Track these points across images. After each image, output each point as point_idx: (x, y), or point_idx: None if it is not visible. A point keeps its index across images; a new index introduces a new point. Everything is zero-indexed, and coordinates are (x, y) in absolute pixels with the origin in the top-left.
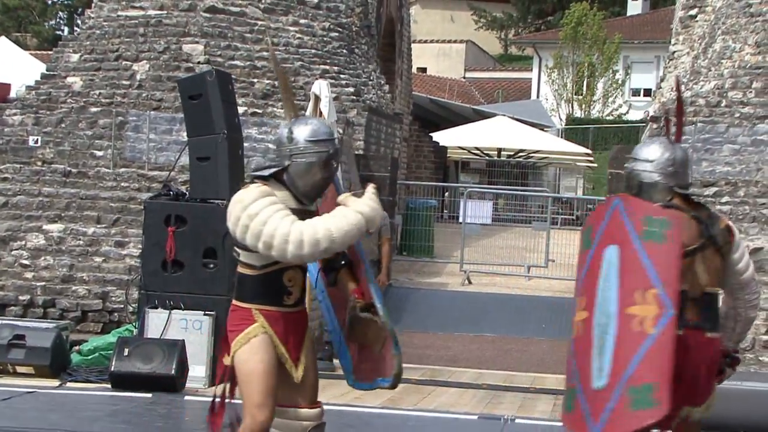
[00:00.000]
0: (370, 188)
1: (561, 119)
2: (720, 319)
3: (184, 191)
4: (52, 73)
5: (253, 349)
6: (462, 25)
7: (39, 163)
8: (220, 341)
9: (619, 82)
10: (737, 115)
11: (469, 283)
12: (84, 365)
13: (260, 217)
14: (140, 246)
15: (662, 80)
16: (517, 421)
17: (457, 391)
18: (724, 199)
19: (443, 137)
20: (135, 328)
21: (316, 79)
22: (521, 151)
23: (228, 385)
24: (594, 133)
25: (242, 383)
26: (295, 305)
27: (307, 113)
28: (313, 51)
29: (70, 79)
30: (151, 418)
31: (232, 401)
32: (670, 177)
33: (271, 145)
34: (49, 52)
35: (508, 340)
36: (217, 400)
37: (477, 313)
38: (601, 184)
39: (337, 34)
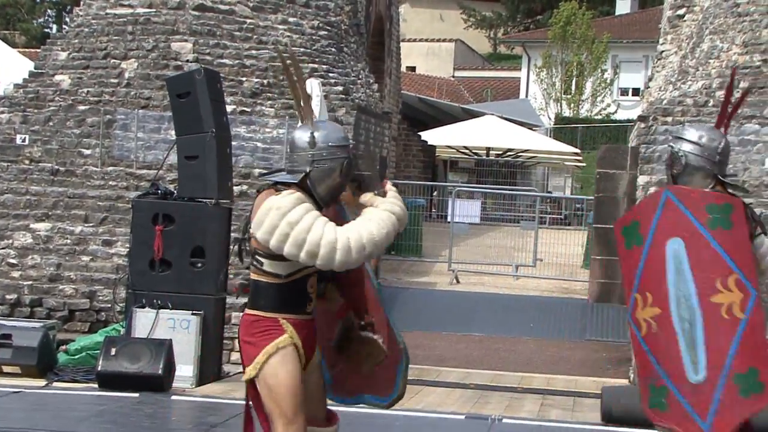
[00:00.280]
0: (390, 187)
1: (550, 118)
2: None
3: (172, 190)
4: (40, 71)
5: (283, 361)
6: (451, 24)
7: (26, 162)
8: (242, 353)
9: (608, 81)
10: None
11: (457, 282)
12: (71, 365)
13: (302, 225)
14: (128, 245)
15: (650, 80)
16: (504, 420)
17: (444, 391)
18: None
19: (432, 136)
20: (122, 327)
21: (307, 77)
22: (510, 150)
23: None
24: (582, 133)
25: (271, 396)
26: (312, 312)
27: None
28: (302, 49)
29: (58, 77)
30: (137, 418)
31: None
32: (716, 165)
33: (259, 144)
34: (38, 50)
35: (495, 340)
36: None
37: (465, 313)
38: (590, 183)
39: (326, 32)
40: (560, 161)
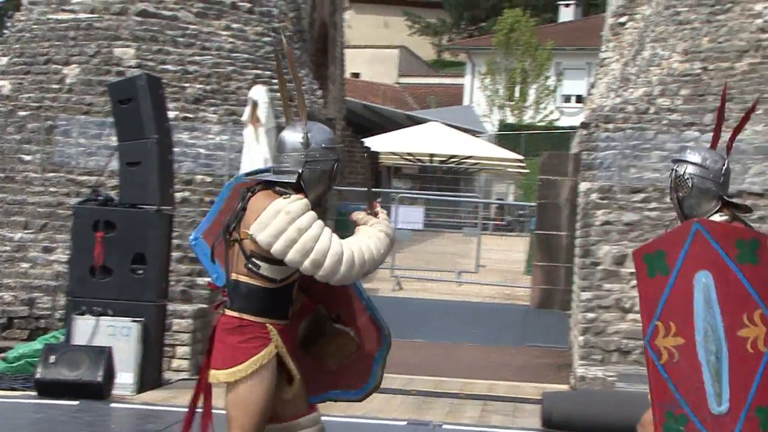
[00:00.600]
0: (380, 209)
1: (493, 125)
2: None
3: (114, 196)
4: None
5: (261, 380)
6: (396, 30)
7: None
8: (210, 350)
9: (551, 88)
10: (665, 122)
11: (400, 288)
12: (9, 373)
13: (311, 233)
14: (68, 252)
15: (593, 87)
16: (445, 426)
17: (386, 397)
18: (652, 205)
19: (376, 143)
20: (62, 334)
21: (250, 83)
22: (453, 156)
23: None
24: (526, 140)
25: (238, 409)
26: (290, 317)
27: (244, 118)
28: (246, 55)
29: None
30: (77, 426)
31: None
32: (720, 186)
33: (202, 150)
34: None
35: (437, 346)
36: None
37: (408, 319)
38: (532, 190)
39: (270, 38)
40: (503, 168)
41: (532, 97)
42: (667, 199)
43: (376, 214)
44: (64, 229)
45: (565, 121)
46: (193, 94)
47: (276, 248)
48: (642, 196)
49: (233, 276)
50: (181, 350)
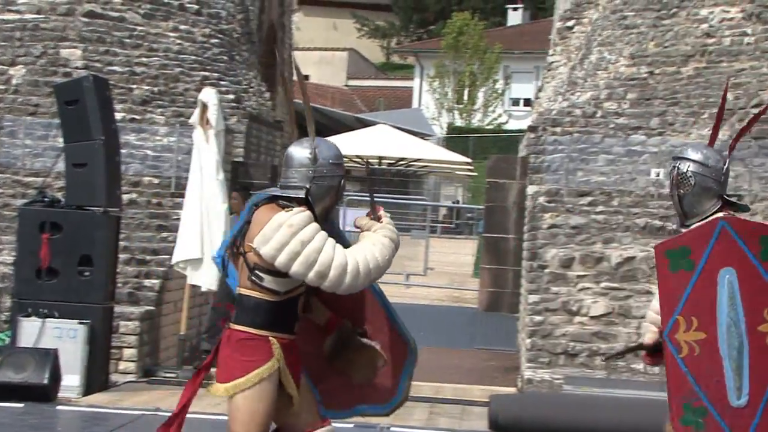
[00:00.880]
0: (384, 213)
1: (442, 128)
2: None
3: (60, 198)
4: None
5: (262, 395)
6: (345, 33)
7: None
8: (209, 361)
9: (499, 91)
10: (612, 125)
11: None
12: None
13: (314, 245)
14: (14, 253)
15: (540, 90)
16: (392, 429)
17: None
18: (599, 209)
19: None
20: (7, 336)
21: (198, 85)
22: (402, 159)
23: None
24: (474, 143)
25: (239, 423)
26: (296, 332)
27: (193, 121)
28: (193, 57)
29: None
30: (22, 428)
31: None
32: (721, 185)
33: (150, 152)
34: None
35: None
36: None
37: None
38: (481, 193)
39: (217, 40)
40: (452, 171)
41: (481, 101)
42: (614, 202)
43: (379, 219)
44: (10, 231)
45: (513, 125)
46: (140, 95)
47: (280, 261)
48: (589, 199)
49: (238, 290)
50: (128, 352)
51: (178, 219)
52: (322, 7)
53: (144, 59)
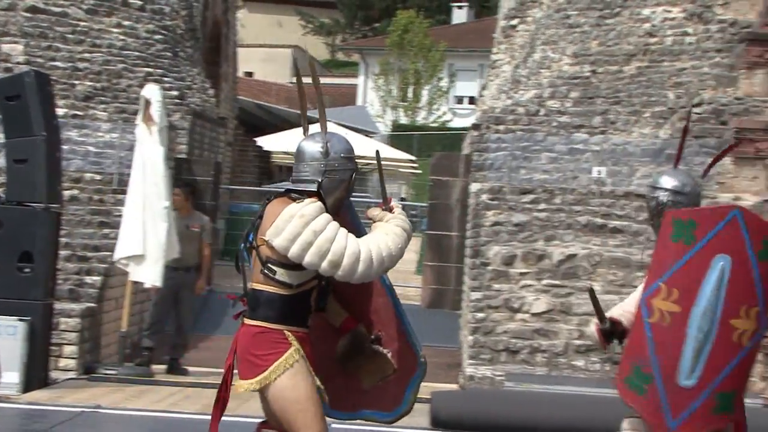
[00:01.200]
0: (396, 203)
1: (386, 126)
2: None
3: (1, 194)
4: None
5: (300, 375)
6: (289, 30)
7: None
8: (235, 363)
9: (444, 89)
10: (555, 124)
11: None
12: None
13: (326, 234)
14: None
15: (484, 88)
16: (333, 426)
17: None
18: (541, 206)
19: (268, 142)
20: None
21: (141, 81)
22: None
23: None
24: (418, 140)
25: (293, 410)
26: (309, 326)
27: (138, 118)
28: (137, 53)
29: None
30: None
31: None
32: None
33: (92, 148)
34: None
35: None
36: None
37: None
38: (424, 190)
39: (161, 36)
40: (396, 168)
41: (425, 98)
42: (557, 200)
43: (391, 210)
44: None
45: (457, 122)
46: (83, 91)
47: (293, 252)
48: (531, 197)
49: (251, 285)
50: (68, 349)
51: (120, 215)
52: (266, 4)
53: (87, 55)
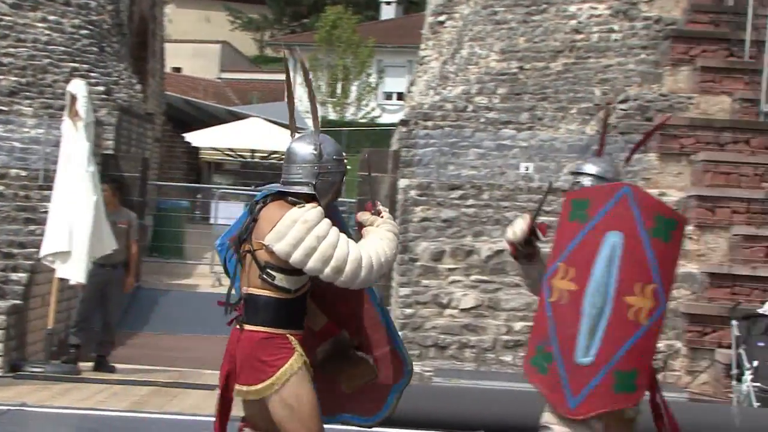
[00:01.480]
0: (383, 207)
1: None
2: None
3: None
4: None
5: (303, 381)
6: (218, 25)
7: None
8: (232, 367)
9: (373, 85)
10: (483, 120)
11: (220, 284)
12: None
13: (329, 240)
14: None
15: (412, 84)
16: None
17: (204, 394)
18: (470, 202)
19: (197, 138)
20: None
21: (67, 76)
22: (275, 152)
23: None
24: (347, 136)
25: (296, 416)
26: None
27: (64, 114)
28: (62, 48)
29: None
30: None
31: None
32: None
33: (17, 144)
34: None
35: None
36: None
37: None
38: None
39: (87, 31)
40: None
41: (354, 94)
42: (485, 196)
43: (378, 213)
44: None
45: (386, 118)
46: (7, 86)
47: (295, 257)
48: (459, 193)
49: (247, 290)
50: None
51: (46, 212)
52: (194, 0)
53: (11, 50)
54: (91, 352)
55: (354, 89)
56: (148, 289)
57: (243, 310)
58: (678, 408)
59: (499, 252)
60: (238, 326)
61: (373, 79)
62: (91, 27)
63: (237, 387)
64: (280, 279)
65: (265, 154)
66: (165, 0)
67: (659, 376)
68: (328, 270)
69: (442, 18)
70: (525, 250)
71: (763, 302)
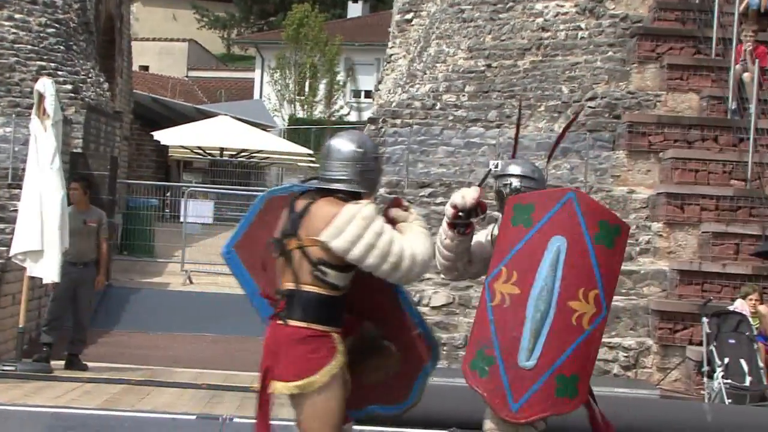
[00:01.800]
0: (406, 203)
1: (283, 119)
2: None
3: None
4: None
5: (336, 390)
6: (185, 23)
7: None
8: (272, 362)
9: (341, 83)
10: (451, 117)
11: (191, 282)
12: None
13: (386, 237)
14: None
15: (380, 82)
16: (235, 420)
17: (176, 392)
18: (439, 200)
19: (165, 136)
20: None
21: (34, 75)
22: (244, 150)
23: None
24: (316, 134)
25: (317, 421)
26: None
27: (32, 112)
28: (29, 47)
29: None
30: None
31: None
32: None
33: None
34: None
35: (229, 340)
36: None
37: (198, 313)
38: None
39: (54, 29)
40: (294, 162)
41: (322, 92)
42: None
43: (406, 209)
44: None
45: (355, 116)
46: None
47: (354, 254)
48: (429, 190)
49: (292, 285)
50: None
51: (16, 210)
52: None
53: None
54: (62, 351)
55: (322, 87)
56: (119, 287)
57: (285, 306)
58: (649, 405)
59: None
60: (280, 321)
61: (341, 77)
62: (57, 25)
63: (277, 384)
64: (332, 276)
65: (234, 152)
66: None
67: (630, 374)
68: (386, 266)
69: (409, 16)
70: (463, 221)
71: (733, 299)
